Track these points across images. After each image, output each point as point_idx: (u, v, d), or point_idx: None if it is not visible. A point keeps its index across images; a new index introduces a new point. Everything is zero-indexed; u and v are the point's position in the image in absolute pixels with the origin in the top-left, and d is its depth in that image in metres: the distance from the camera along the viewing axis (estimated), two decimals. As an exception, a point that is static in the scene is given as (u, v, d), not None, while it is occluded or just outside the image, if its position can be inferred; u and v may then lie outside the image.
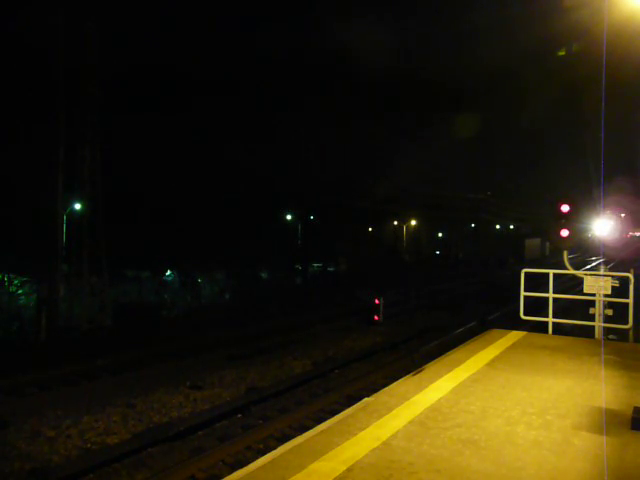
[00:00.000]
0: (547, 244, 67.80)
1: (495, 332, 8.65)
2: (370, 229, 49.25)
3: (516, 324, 11.23)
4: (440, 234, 63.93)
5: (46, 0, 16.97)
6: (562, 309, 13.31)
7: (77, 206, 19.44)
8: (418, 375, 5.99)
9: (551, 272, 9.17)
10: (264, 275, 33.12)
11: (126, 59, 24.85)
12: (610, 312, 8.51)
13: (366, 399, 5.17)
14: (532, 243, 63.48)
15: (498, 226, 74.42)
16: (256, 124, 36.10)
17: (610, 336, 9.37)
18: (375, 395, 5.32)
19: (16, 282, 22.91)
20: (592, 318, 8.67)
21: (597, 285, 8.47)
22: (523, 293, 9.03)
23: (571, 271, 10.97)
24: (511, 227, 79.08)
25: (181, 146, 29.16)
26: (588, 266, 36.76)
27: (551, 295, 8.90)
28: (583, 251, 63.30)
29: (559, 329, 10.15)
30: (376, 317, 17.61)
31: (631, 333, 8.24)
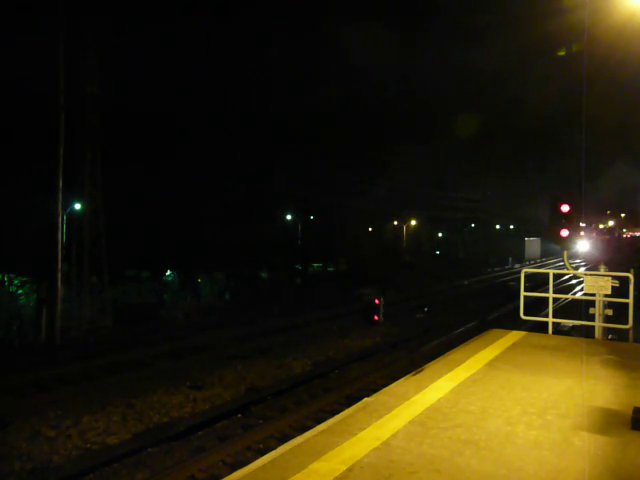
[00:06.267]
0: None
1: (495, 332, 8.64)
2: (370, 229, 49.24)
3: (517, 324, 11.25)
4: (440, 234, 63.96)
5: (46, 2, 17.00)
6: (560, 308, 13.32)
7: (77, 206, 19.44)
8: (418, 375, 5.99)
9: (551, 272, 9.19)
10: (264, 275, 33.10)
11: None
12: (610, 312, 8.50)
13: (366, 399, 5.16)
14: (532, 243, 63.53)
15: (498, 226, 74.48)
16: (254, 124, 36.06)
17: (610, 336, 9.36)
18: (375, 395, 5.32)
19: (16, 282, 22.90)
20: (592, 318, 8.67)
21: (597, 285, 8.46)
22: (523, 293, 9.03)
23: (571, 271, 10.99)
24: (511, 227, 79.13)
25: (179, 145, 29.14)
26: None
27: (551, 295, 8.90)
28: (555, 254, 62.91)
29: (559, 329, 10.15)
30: (376, 317, 17.61)
31: (631, 333, 8.23)
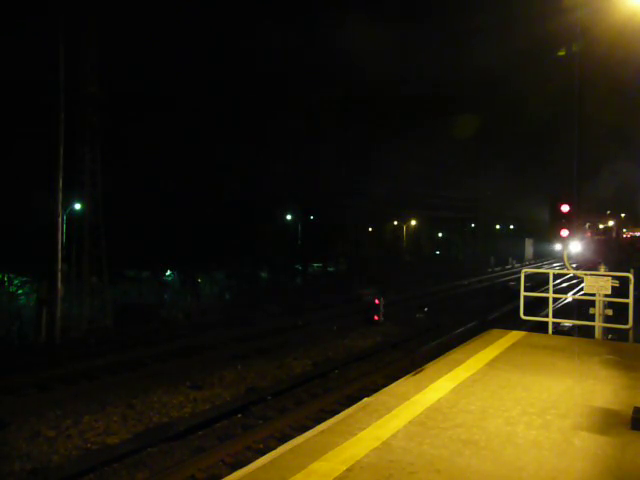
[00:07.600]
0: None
1: (495, 332, 8.64)
2: (370, 229, 49.26)
3: (517, 324, 11.25)
4: (440, 234, 63.95)
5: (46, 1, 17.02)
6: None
7: (77, 206, 19.44)
8: (418, 375, 5.99)
9: (551, 272, 9.19)
10: (264, 275, 33.12)
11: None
12: (610, 312, 8.51)
13: (366, 399, 5.16)
14: (527, 243, 63.46)
15: (498, 226, 74.45)
16: (252, 125, 36.05)
17: (610, 336, 9.36)
18: (375, 395, 5.32)
19: (16, 282, 22.93)
20: (592, 318, 8.67)
21: (597, 285, 8.46)
22: (523, 293, 9.03)
23: (571, 271, 10.99)
24: (511, 227, 79.09)
25: (177, 146, 29.15)
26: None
27: (551, 295, 8.90)
28: (546, 256, 62.12)
29: (559, 329, 10.14)
30: (376, 317, 17.60)
31: (631, 333, 8.23)
